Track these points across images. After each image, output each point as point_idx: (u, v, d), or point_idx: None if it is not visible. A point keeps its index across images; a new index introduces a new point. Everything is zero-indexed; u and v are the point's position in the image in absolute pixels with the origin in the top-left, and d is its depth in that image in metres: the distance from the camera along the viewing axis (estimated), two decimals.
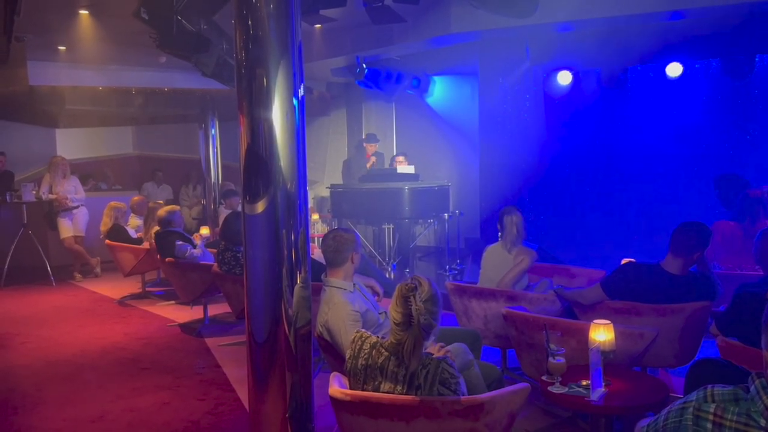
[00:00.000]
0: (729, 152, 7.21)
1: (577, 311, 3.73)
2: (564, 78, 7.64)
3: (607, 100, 7.75)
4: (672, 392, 3.05)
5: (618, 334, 2.86)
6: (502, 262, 4.30)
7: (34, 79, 8.69)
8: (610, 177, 7.96)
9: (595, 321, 2.84)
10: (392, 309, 2.41)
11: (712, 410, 1.37)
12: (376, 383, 2.44)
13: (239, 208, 5.16)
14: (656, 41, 6.82)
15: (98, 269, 8.69)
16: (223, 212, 8.19)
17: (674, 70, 6.96)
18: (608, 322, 2.83)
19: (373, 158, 8.48)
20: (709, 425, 1.36)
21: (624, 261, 3.79)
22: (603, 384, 2.69)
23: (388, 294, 4.77)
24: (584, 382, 2.76)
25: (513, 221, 4.33)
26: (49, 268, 8.17)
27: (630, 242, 7.59)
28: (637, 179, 7.81)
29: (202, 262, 5.84)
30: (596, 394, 2.65)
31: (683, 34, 6.71)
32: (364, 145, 8.59)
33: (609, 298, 3.56)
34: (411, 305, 2.33)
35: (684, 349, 3.47)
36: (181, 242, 5.94)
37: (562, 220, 8.09)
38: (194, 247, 6.02)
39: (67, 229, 8.29)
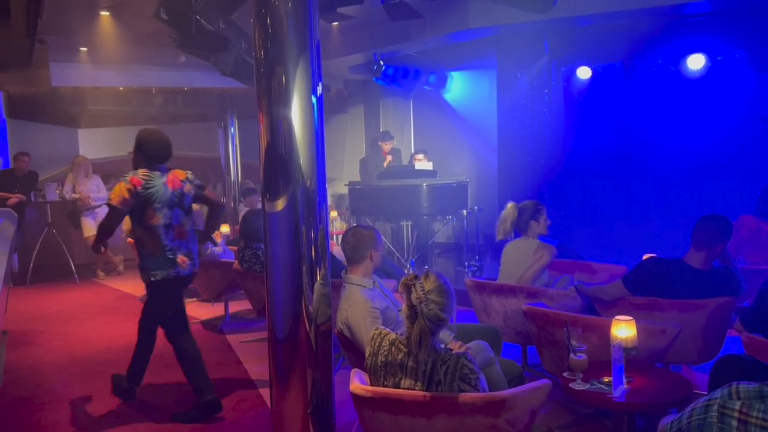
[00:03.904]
0: (752, 146, 7.08)
1: (598, 307, 3.71)
2: (583, 72, 7.56)
3: (627, 94, 7.65)
4: (695, 389, 3.02)
5: (640, 330, 2.84)
6: (521, 258, 4.28)
7: (56, 80, 8.82)
8: (631, 172, 7.86)
9: (617, 317, 2.82)
10: (403, 304, 2.44)
11: (737, 407, 1.36)
12: (396, 380, 2.45)
13: (258, 206, 5.25)
14: (677, 34, 6.72)
15: (121, 267, 8.81)
16: (243, 210, 8.25)
17: (696, 62, 6.85)
18: (630, 318, 2.81)
19: (390, 157, 8.45)
20: (735, 422, 1.35)
21: (646, 256, 3.75)
22: (625, 381, 2.67)
23: None
24: (606, 379, 2.74)
25: (509, 215, 4.34)
26: (73, 266, 8.30)
27: (652, 237, 7.50)
28: (658, 174, 7.71)
29: (222, 260, 5.89)
30: (618, 391, 2.63)
31: (706, 26, 6.60)
32: (379, 143, 8.56)
33: (631, 293, 3.53)
34: (412, 294, 2.34)
35: (707, 346, 3.43)
36: None
37: (583, 216, 8.02)
38: (215, 244, 6.07)
39: (90, 227, 8.42)
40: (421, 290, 2.35)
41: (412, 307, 2.36)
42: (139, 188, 3.70)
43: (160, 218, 3.74)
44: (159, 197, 3.74)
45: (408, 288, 2.38)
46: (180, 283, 3.87)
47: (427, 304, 2.33)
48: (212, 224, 4.21)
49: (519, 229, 4.33)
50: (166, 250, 3.76)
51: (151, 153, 3.84)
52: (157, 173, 3.80)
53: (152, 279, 3.78)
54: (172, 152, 3.93)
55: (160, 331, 3.98)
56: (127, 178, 3.72)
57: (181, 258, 3.80)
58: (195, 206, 4.07)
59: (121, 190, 3.69)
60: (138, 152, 3.87)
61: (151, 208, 3.72)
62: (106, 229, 3.82)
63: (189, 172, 3.98)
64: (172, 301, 3.91)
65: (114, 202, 3.69)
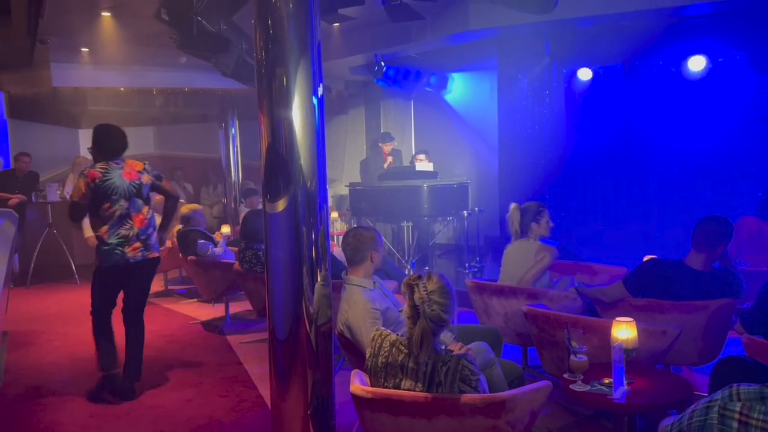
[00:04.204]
0: (753, 147, 7.08)
1: (599, 309, 3.71)
2: (584, 74, 7.57)
3: (628, 96, 7.65)
4: (696, 391, 3.02)
5: (641, 332, 2.84)
6: (522, 259, 4.28)
7: (57, 80, 8.84)
8: (632, 173, 7.86)
9: (618, 318, 2.82)
10: (405, 304, 2.44)
11: (738, 409, 1.36)
12: (397, 381, 2.45)
13: (259, 207, 5.29)
14: (678, 35, 6.73)
15: None
16: (244, 211, 8.25)
17: (697, 64, 6.85)
18: (630, 319, 2.81)
19: (390, 158, 8.45)
20: (735, 424, 1.35)
21: (646, 258, 3.75)
22: (625, 382, 2.67)
23: None
24: (606, 380, 2.74)
25: (511, 216, 4.35)
26: (73, 267, 8.30)
27: (652, 239, 7.50)
28: (659, 175, 7.71)
29: (223, 261, 5.90)
30: (619, 393, 2.63)
31: (706, 27, 6.61)
32: (380, 144, 8.56)
33: (631, 295, 3.53)
34: (415, 294, 2.35)
35: (708, 347, 3.43)
36: (203, 240, 6.01)
37: (583, 217, 8.02)
38: (215, 245, 6.08)
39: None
40: (424, 290, 2.35)
41: (414, 307, 2.36)
42: (97, 181, 3.92)
43: (116, 209, 3.98)
44: (116, 188, 3.96)
45: (411, 288, 2.39)
46: (134, 270, 4.09)
47: (430, 304, 2.34)
48: (168, 214, 4.38)
49: (521, 230, 4.32)
50: (118, 238, 3.99)
51: (106, 147, 4.06)
52: (114, 165, 4.00)
53: (103, 265, 4.02)
54: (128, 144, 4.14)
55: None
56: (86, 173, 3.94)
57: (133, 247, 4.02)
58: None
59: (79, 184, 3.94)
60: (95, 147, 4.09)
61: (108, 200, 3.95)
62: (73, 221, 4.13)
63: (146, 162, 4.22)
64: (120, 286, 4.16)
65: (75, 198, 3.98)
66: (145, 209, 4.11)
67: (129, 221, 4.02)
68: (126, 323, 4.22)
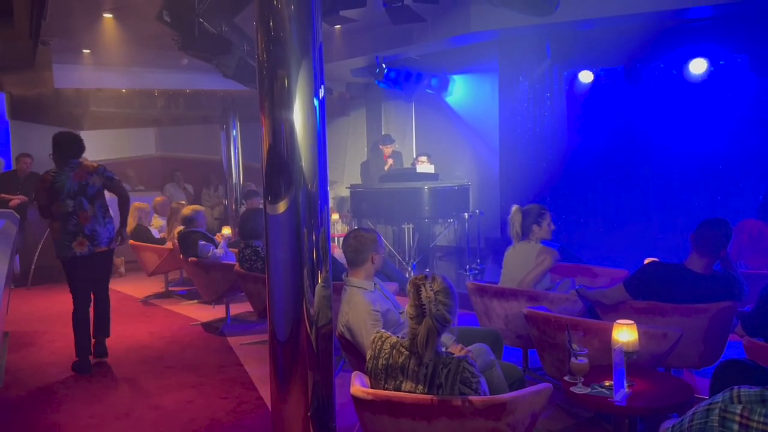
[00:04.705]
0: (754, 150, 7.08)
1: (600, 311, 3.70)
2: (585, 76, 7.57)
3: (629, 99, 7.65)
4: (697, 393, 3.02)
5: (641, 335, 2.84)
6: (523, 261, 4.28)
7: (59, 81, 8.84)
8: (633, 176, 7.86)
9: (618, 321, 2.82)
10: (407, 305, 2.45)
11: (738, 411, 1.36)
12: (397, 383, 2.45)
13: (258, 206, 5.32)
14: (679, 38, 6.73)
15: (122, 269, 8.81)
16: None
17: (698, 67, 6.86)
18: (631, 322, 2.80)
19: (391, 160, 8.46)
20: (736, 426, 1.35)
21: (647, 260, 3.75)
22: (626, 385, 2.67)
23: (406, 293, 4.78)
24: (607, 383, 2.73)
25: (512, 219, 4.35)
26: None
27: (653, 241, 7.49)
28: (660, 178, 7.70)
29: (224, 262, 5.90)
30: (619, 395, 2.63)
31: (708, 30, 6.61)
32: (380, 147, 8.57)
33: (632, 298, 3.53)
34: (422, 293, 2.36)
35: (709, 350, 3.43)
36: (203, 242, 6.02)
37: (584, 220, 8.02)
38: (216, 246, 6.08)
39: None
40: (431, 290, 2.38)
41: (419, 306, 2.38)
42: (47, 184, 4.50)
43: (63, 207, 4.51)
44: (64, 189, 4.51)
45: (417, 287, 2.40)
46: (83, 262, 4.60)
47: (436, 304, 2.36)
48: (122, 212, 4.84)
49: (522, 233, 4.32)
50: (66, 234, 4.52)
51: (62, 151, 4.62)
52: (66, 168, 4.56)
53: (60, 257, 4.59)
54: (83, 148, 4.72)
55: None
56: (42, 177, 4.59)
57: (78, 241, 4.54)
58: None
59: (37, 188, 4.64)
60: (53, 152, 4.65)
61: (57, 200, 4.51)
62: (45, 218, 4.70)
63: (99, 165, 4.73)
64: (76, 276, 4.67)
65: (37, 201, 4.70)
66: (91, 208, 4.59)
67: (75, 218, 4.53)
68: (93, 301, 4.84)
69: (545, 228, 4.28)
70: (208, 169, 11.71)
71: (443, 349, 2.50)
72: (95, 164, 4.69)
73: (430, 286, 2.39)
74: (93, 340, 4.79)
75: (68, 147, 4.63)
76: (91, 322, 4.78)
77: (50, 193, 4.49)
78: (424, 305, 2.36)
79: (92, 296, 4.79)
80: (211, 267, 5.85)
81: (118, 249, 8.51)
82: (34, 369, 4.85)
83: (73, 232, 4.52)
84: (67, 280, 4.73)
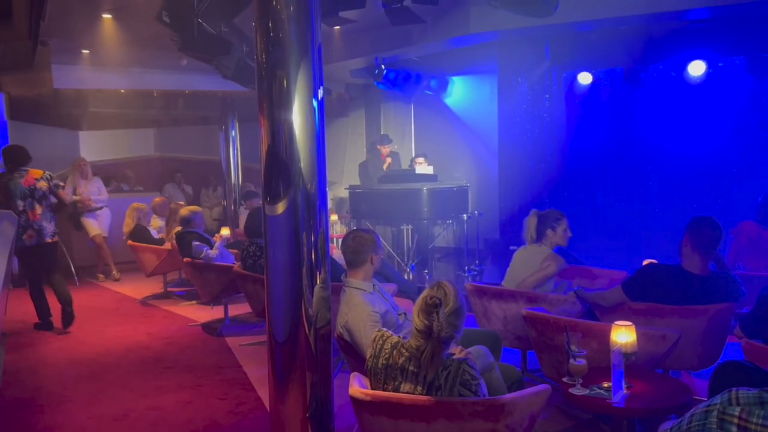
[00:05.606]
0: (752, 152, 7.09)
1: (598, 313, 3.71)
2: (584, 78, 7.57)
3: (629, 100, 7.65)
4: (695, 395, 3.02)
5: (640, 336, 2.84)
6: (528, 263, 4.26)
7: (58, 82, 8.82)
8: (632, 178, 7.86)
9: (617, 322, 2.82)
10: (415, 315, 2.41)
11: (737, 413, 1.36)
12: (397, 383, 2.44)
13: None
14: (678, 40, 6.73)
15: (116, 273, 8.63)
16: (244, 213, 8.25)
17: (697, 69, 6.86)
18: (630, 323, 2.80)
19: (389, 159, 8.45)
20: (734, 428, 1.35)
21: (645, 262, 3.76)
22: (625, 386, 2.67)
23: (405, 294, 4.78)
24: (606, 384, 2.74)
25: (528, 222, 4.34)
26: (73, 269, 8.30)
27: (652, 244, 7.49)
28: (659, 180, 7.71)
29: (218, 263, 5.89)
30: (618, 397, 2.63)
31: (706, 32, 6.61)
32: (378, 147, 8.56)
33: (630, 299, 3.53)
34: (434, 320, 2.33)
35: (707, 351, 3.43)
36: (197, 243, 6.02)
37: (583, 221, 8.01)
38: (211, 247, 6.08)
39: (93, 227, 8.42)
40: (443, 317, 2.34)
41: (429, 327, 2.33)
42: (3, 187, 5.56)
43: (16, 207, 5.56)
44: (16, 191, 5.58)
45: (430, 313, 2.34)
46: (32, 251, 5.68)
47: (447, 327, 2.34)
48: (57, 211, 6.04)
49: (536, 236, 4.31)
50: (18, 227, 5.48)
51: (12, 160, 5.70)
52: (16, 174, 5.64)
53: (16, 247, 5.43)
54: (29, 157, 5.76)
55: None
56: None
57: (27, 234, 5.60)
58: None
59: None
60: (5, 162, 5.73)
61: (11, 200, 5.57)
62: None
63: (46, 172, 5.79)
64: (30, 262, 5.79)
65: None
66: (38, 207, 5.65)
67: (25, 215, 5.59)
68: (47, 281, 5.86)
69: (560, 233, 4.25)
70: (207, 170, 11.71)
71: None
72: (41, 171, 5.73)
73: (443, 312, 2.33)
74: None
75: (17, 157, 5.70)
76: (50, 303, 5.91)
77: (6, 194, 5.58)
78: (434, 330, 2.33)
79: (47, 287, 5.83)
80: (205, 268, 5.85)
81: (113, 252, 8.62)
82: (32, 370, 4.84)
83: (24, 226, 5.57)
84: (22, 264, 5.97)
